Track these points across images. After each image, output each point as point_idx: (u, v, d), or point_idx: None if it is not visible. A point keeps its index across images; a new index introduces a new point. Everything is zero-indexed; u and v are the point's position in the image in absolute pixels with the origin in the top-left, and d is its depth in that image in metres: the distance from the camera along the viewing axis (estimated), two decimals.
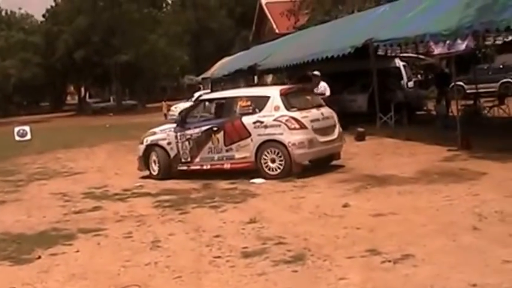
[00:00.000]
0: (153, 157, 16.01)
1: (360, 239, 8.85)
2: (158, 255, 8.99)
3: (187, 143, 15.58)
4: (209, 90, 42.51)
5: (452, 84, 21.10)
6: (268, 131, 14.57)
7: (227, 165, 15.09)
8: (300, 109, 14.86)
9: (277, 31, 52.29)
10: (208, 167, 15.36)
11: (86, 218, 12.04)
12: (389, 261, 7.72)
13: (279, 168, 14.31)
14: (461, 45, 15.69)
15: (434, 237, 8.64)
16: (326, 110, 15.58)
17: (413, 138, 18.61)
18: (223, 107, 15.93)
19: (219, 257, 8.58)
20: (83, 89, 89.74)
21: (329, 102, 20.94)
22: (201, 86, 53.51)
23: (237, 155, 14.94)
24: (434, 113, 25.63)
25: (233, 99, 15.75)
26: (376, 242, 8.57)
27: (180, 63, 74.38)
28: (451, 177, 12.76)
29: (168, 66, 72.53)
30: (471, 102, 26.18)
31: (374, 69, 20.79)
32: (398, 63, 28.08)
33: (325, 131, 15.04)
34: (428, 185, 12.25)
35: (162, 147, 15.91)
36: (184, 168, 15.74)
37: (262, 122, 14.65)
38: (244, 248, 8.88)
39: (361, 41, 20.61)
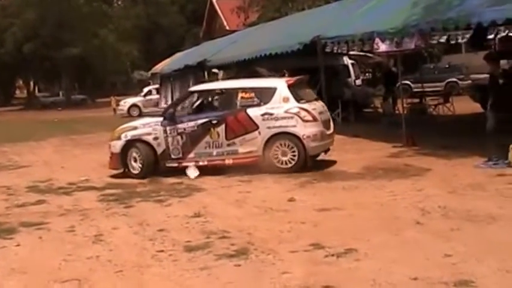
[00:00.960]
0: (134, 154, 14.65)
1: (304, 233, 8.80)
2: (100, 249, 8.82)
3: (179, 137, 14.42)
4: (158, 86, 42.29)
5: (399, 83, 21.19)
6: (279, 123, 13.90)
7: (229, 161, 14.15)
8: (307, 101, 14.48)
9: (227, 28, 52.14)
10: (205, 163, 14.30)
11: (28, 211, 11.76)
12: (333, 255, 7.68)
13: (291, 161, 13.76)
14: (410, 44, 15.73)
15: (377, 232, 8.62)
16: (323, 103, 15.38)
17: (360, 135, 18.76)
18: (222, 99, 15.13)
19: (161, 251, 8.44)
20: (32, 83, 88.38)
21: None
22: (150, 81, 53.15)
23: (241, 150, 14.06)
24: (381, 110, 25.85)
25: (233, 91, 14.87)
26: (320, 236, 8.52)
27: (130, 58, 73.77)
28: (395, 173, 12.81)
29: (118, 62, 71.77)
30: (417, 100, 26.45)
31: (321, 67, 20.69)
32: (347, 61, 28.13)
33: (327, 124, 14.79)
34: (373, 180, 12.28)
35: (146, 142, 14.59)
36: (174, 165, 14.51)
37: (271, 114, 13.93)
38: (187, 242, 8.75)
39: (309, 38, 20.53)
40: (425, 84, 30.36)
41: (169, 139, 14.47)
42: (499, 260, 7.13)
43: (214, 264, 7.72)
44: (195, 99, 15.85)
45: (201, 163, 14.29)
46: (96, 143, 23.29)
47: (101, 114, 45.83)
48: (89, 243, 9.19)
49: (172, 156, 14.48)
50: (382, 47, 16.29)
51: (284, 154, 13.80)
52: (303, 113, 13.94)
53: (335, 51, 19.41)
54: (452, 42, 14.96)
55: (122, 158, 14.77)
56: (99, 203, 12.07)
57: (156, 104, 41.11)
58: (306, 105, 14.15)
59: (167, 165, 14.54)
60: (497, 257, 7.24)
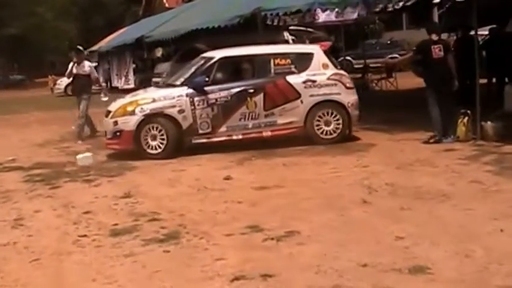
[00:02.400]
0: (153, 131, 12.55)
1: (240, 214, 7.98)
2: (19, 234, 7.89)
3: (209, 109, 12.60)
4: (96, 64, 40.97)
5: (342, 58, 20.55)
6: (322, 90, 12.86)
7: (267, 133, 12.81)
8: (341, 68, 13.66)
9: (167, 5, 51.04)
10: (240, 137, 12.77)
11: None
12: (272, 238, 6.88)
13: (335, 131, 12.83)
14: (353, 14, 15.00)
15: (321, 211, 7.85)
16: None
17: None
18: (255, 66, 13.29)
19: (85, 235, 7.53)
20: None
21: None
22: (89, 59, 51.60)
23: (280, 120, 12.80)
24: None
25: (267, 57, 13.20)
26: (258, 217, 7.72)
27: (69, 37, 71.68)
28: (338, 149, 12.09)
29: (57, 40, 69.72)
30: (359, 76, 25.89)
31: (262, 42, 19.81)
32: (287, 36, 27.33)
33: None
34: (314, 156, 11.53)
35: (169, 116, 12.58)
36: (203, 141, 12.71)
37: (314, 81, 12.86)
38: (114, 225, 7.86)
39: (250, 10, 19.63)
40: (367, 60, 29.85)
41: (197, 112, 12.61)
42: (456, 242, 6.43)
43: (141, 250, 6.86)
44: (221, 66, 13.32)
45: (234, 137, 12.79)
46: (28, 122, 22.19)
47: (39, 93, 44.22)
48: (7, 229, 8.21)
49: (200, 131, 12.69)
50: (322, 16, 15.51)
51: (327, 124, 12.86)
52: (345, 80, 13.17)
53: (276, 23, 18.51)
54: (397, 7, 14.23)
55: (136, 135, 12.61)
56: (23, 184, 11.01)
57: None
58: (344, 72, 13.46)
59: (194, 141, 12.73)
60: (453, 239, 6.54)
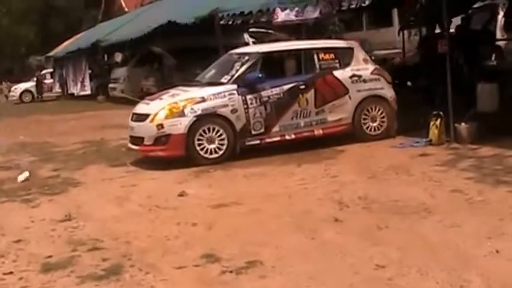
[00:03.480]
0: (209, 133, 11.09)
1: (195, 239, 6.80)
2: None
3: (262, 108, 11.47)
4: (52, 70, 39.71)
5: None
6: (368, 85, 12.22)
7: (318, 131, 11.86)
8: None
9: (126, 9, 49.59)
10: (292, 136, 11.72)
11: None
12: (231, 271, 5.72)
13: (380, 127, 12.19)
14: (313, 13, 13.96)
15: (287, 233, 6.73)
16: None
17: None
18: (299, 61, 12.19)
19: (10, 273, 6.27)
20: None
21: (178, 78, 19.84)
22: (44, 66, 50.07)
23: (330, 118, 11.94)
24: None
25: (311, 52, 12.24)
26: (215, 243, 6.56)
27: (27, 42, 69.87)
28: (304, 156, 11.00)
29: (13, 46, 67.87)
30: None
31: (220, 45, 18.57)
32: (247, 38, 26.50)
33: None
34: (278, 166, 10.43)
35: (223, 117, 11.28)
36: (256, 142, 11.47)
37: (360, 76, 12.21)
38: (47, 257, 6.59)
39: (207, 11, 18.54)
40: None
41: (251, 111, 11.42)
42: (447, 269, 5.35)
43: None
44: (265, 62, 12.05)
45: (287, 137, 11.71)
46: None
47: None
48: None
49: (253, 132, 11.49)
50: (282, 16, 14.47)
51: (374, 119, 12.19)
52: (386, 74, 12.56)
53: (233, 23, 17.41)
54: (363, 4, 13.25)
55: (188, 139, 11.03)
56: None
57: (51, 89, 38.52)
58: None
59: (247, 143, 11.43)
60: (444, 265, 5.45)
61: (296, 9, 14.30)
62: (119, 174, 10.80)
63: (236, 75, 11.67)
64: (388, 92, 12.34)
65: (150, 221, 7.74)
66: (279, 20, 14.89)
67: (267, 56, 12.06)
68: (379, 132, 12.15)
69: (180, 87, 12.43)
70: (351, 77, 12.13)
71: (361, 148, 11.41)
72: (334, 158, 10.70)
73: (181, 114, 11.07)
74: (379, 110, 12.21)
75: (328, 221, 7.03)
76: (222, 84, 11.63)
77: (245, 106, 11.39)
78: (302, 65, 12.15)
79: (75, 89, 34.59)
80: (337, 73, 12.12)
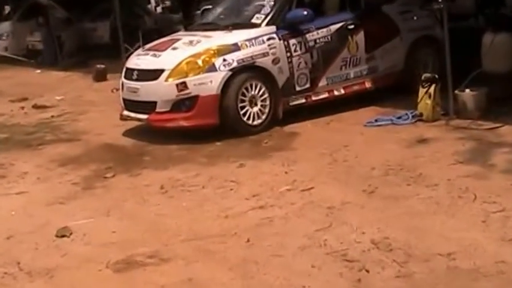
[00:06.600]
0: (251, 91, 7.74)
1: None
2: None
3: (307, 56, 8.21)
4: None
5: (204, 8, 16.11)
6: (420, 23, 9.23)
7: (369, 84, 8.74)
8: None
9: None
10: (342, 91, 8.54)
11: None
12: None
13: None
14: None
15: None
16: None
17: None
18: None
19: None
20: None
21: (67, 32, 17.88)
22: None
23: (382, 66, 8.87)
24: None
25: None
26: None
27: None
28: (243, 143, 7.27)
29: None
30: None
31: None
32: None
33: None
34: (210, 166, 6.53)
35: (263, 69, 7.90)
36: (302, 101, 8.21)
37: (410, 12, 9.23)
38: None
39: None
40: None
41: (295, 60, 8.11)
42: None
43: None
44: None
45: (336, 92, 8.50)
46: None
47: None
48: None
49: (298, 88, 8.18)
50: None
51: (426, 66, 9.04)
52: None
53: None
54: None
55: (222, 103, 7.60)
56: None
57: None
58: None
59: (291, 103, 8.12)
60: None
61: None
62: None
63: (273, 13, 8.22)
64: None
65: None
66: None
67: None
68: None
69: (194, 32, 8.81)
70: (402, 13, 9.17)
71: (319, 128, 7.70)
72: (288, 147, 6.94)
73: (212, 68, 7.60)
74: (430, 55, 9.16)
75: None
76: (254, 25, 8.17)
77: (288, 54, 8.09)
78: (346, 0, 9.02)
79: None
80: (387, 8, 9.13)
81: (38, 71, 16.10)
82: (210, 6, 11.52)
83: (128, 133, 8.20)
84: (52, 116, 9.85)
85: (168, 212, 5.27)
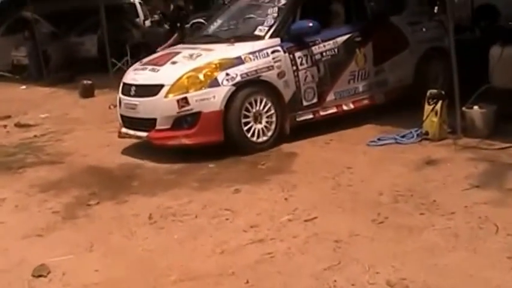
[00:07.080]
0: (255, 107, 7.29)
1: None
2: None
3: (314, 69, 7.79)
4: None
5: (192, 21, 15.66)
6: (429, 35, 8.83)
7: (379, 98, 8.36)
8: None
9: None
10: (351, 106, 8.12)
11: None
12: None
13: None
14: None
15: None
16: None
17: None
18: (347, 6, 8.63)
19: None
20: None
21: (53, 46, 17.29)
22: None
23: (391, 79, 8.49)
24: None
25: None
26: None
27: None
28: (240, 164, 6.75)
29: None
30: None
31: (101, 4, 14.46)
32: None
33: None
34: (204, 191, 5.99)
35: (268, 83, 7.48)
36: (309, 117, 7.78)
37: (419, 23, 8.85)
38: None
39: None
40: None
41: (301, 73, 7.69)
42: None
43: None
44: (306, 7, 8.18)
45: (345, 107, 8.09)
46: None
47: None
48: None
49: (305, 103, 7.75)
50: None
51: (436, 79, 8.66)
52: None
53: None
54: None
55: (225, 119, 7.16)
56: None
57: None
58: None
59: (298, 119, 7.69)
60: None
61: None
62: None
63: (277, 25, 7.81)
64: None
65: None
66: None
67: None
68: None
69: (193, 45, 8.31)
70: (410, 24, 8.78)
71: (319, 147, 7.18)
72: (287, 170, 6.42)
73: (214, 82, 7.18)
74: (440, 67, 8.67)
75: None
76: (257, 38, 7.74)
77: (294, 68, 7.66)
78: (352, 10, 8.63)
79: None
80: (395, 19, 8.77)
81: (23, 86, 15.53)
82: (201, 20, 11.20)
83: (115, 154, 7.65)
84: (35, 136, 9.27)
85: (157, 247, 4.71)
